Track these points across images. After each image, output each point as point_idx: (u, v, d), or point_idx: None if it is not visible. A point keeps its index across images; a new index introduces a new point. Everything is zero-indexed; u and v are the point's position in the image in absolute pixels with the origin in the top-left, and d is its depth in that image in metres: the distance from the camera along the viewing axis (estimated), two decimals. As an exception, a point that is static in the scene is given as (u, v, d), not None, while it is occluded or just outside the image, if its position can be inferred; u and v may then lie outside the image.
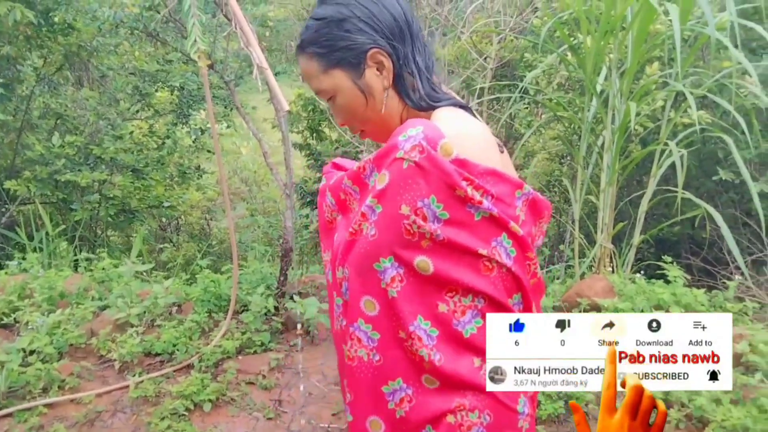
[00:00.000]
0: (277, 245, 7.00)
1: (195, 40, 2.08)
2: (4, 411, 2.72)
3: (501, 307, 1.03)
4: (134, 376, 2.98)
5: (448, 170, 0.97)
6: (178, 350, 3.20)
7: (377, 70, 1.12)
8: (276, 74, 5.42)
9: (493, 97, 5.46)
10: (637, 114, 3.92)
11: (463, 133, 1.04)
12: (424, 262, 1.00)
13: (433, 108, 1.13)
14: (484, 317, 1.01)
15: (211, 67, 3.49)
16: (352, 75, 1.12)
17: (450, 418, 1.03)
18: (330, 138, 8.42)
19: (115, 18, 4.25)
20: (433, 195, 0.98)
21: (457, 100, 1.17)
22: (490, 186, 1.01)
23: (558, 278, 4.50)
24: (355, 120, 1.18)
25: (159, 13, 3.87)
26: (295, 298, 3.62)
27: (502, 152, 1.13)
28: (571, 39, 4.12)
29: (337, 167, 1.28)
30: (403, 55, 1.12)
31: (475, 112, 1.19)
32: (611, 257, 4.01)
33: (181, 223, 9.07)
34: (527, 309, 1.09)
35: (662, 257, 3.82)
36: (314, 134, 8.43)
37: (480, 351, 1.02)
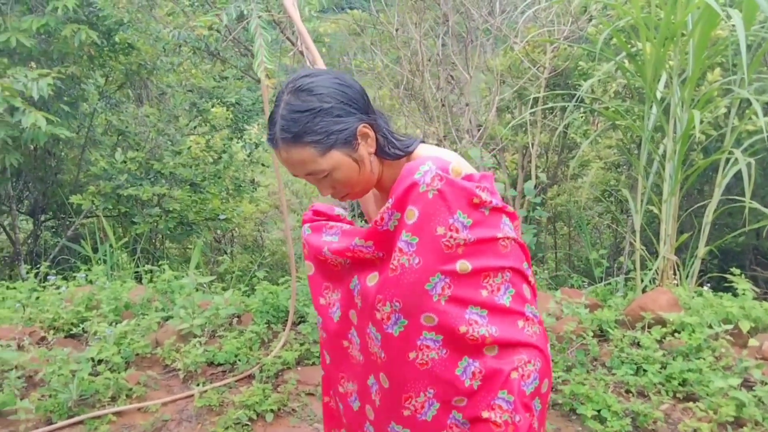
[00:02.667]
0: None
1: (261, 60, 2.13)
2: (76, 419, 2.81)
3: (521, 274, 1.29)
4: (198, 385, 3.04)
5: (465, 186, 1.20)
6: (239, 360, 3.25)
7: (365, 140, 1.30)
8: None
9: (546, 106, 5.40)
10: (700, 122, 3.81)
11: (453, 156, 1.31)
12: (463, 264, 1.21)
13: (407, 154, 1.35)
14: (514, 285, 1.27)
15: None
16: (348, 151, 1.29)
17: (514, 374, 1.25)
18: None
19: (178, 38, 4.40)
20: (458, 210, 1.20)
21: (418, 138, 1.40)
22: (487, 185, 1.24)
23: (617, 291, 4.40)
24: (348, 187, 1.34)
25: (220, 32, 3.98)
26: (352, 309, 3.63)
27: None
28: (629, 46, 4.05)
29: (318, 214, 1.49)
30: (375, 122, 1.31)
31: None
32: (674, 269, 3.90)
33: (234, 235, 9.25)
34: (530, 267, 1.37)
35: (725, 269, 3.69)
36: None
37: (520, 314, 1.28)
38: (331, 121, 1.26)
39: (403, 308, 1.23)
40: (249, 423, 2.77)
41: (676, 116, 3.84)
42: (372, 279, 1.30)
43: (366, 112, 1.30)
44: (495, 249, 1.24)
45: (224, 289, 4.46)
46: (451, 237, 1.19)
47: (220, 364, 3.29)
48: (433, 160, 1.21)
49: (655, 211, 4.04)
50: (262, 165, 7.88)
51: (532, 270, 1.38)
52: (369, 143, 1.31)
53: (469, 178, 1.23)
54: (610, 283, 4.54)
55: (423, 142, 1.39)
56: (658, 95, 3.95)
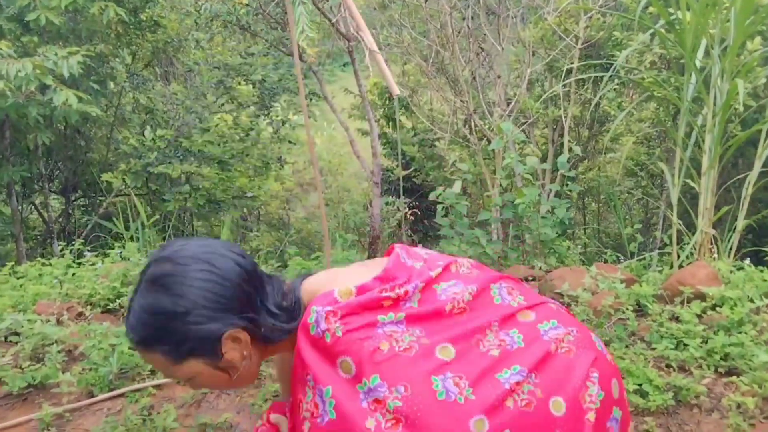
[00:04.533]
0: (357, 233, 7.08)
1: (303, 29, 2.11)
2: (117, 391, 2.85)
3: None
4: (235, 359, 3.07)
5: (366, 300, 1.15)
6: (274, 335, 3.27)
7: (234, 343, 1.13)
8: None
9: (578, 78, 5.29)
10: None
11: (331, 281, 1.22)
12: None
13: (296, 321, 1.18)
14: None
15: (300, 57, 3.53)
16: (210, 360, 1.12)
17: None
18: (406, 126, 8.41)
19: (211, 11, 4.38)
20: (379, 316, 1.14)
21: (296, 281, 1.27)
22: (387, 285, 1.20)
23: (650, 266, 4.34)
24: (219, 389, 1.35)
25: (251, 6, 3.96)
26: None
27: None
28: (668, 14, 3.94)
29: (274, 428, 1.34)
30: (256, 314, 1.14)
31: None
32: (712, 243, 3.83)
33: (261, 213, 9.30)
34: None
35: (760, 243, 3.61)
36: (390, 122, 8.45)
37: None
38: (186, 329, 1.07)
39: None
40: (287, 396, 2.79)
41: (716, 86, 3.74)
42: None
43: (241, 309, 1.12)
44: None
45: (256, 265, 4.48)
46: (394, 340, 1.10)
47: (256, 338, 3.31)
48: (315, 303, 1.12)
49: (692, 184, 3.96)
50: (289, 142, 7.89)
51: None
52: (240, 347, 1.14)
53: (362, 289, 1.16)
54: (643, 258, 4.47)
55: (306, 276, 1.27)
56: (697, 64, 3.84)
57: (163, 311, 1.07)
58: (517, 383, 1.10)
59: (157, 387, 2.87)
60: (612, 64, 4.25)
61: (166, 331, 1.08)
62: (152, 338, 1.09)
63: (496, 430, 1.05)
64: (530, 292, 1.35)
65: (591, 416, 1.13)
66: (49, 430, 2.55)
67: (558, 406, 1.11)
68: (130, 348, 3.05)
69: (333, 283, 1.19)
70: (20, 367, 2.87)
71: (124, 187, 6.32)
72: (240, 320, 1.11)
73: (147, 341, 1.10)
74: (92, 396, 2.82)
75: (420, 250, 1.38)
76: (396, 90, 1.74)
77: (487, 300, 1.26)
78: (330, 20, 2.46)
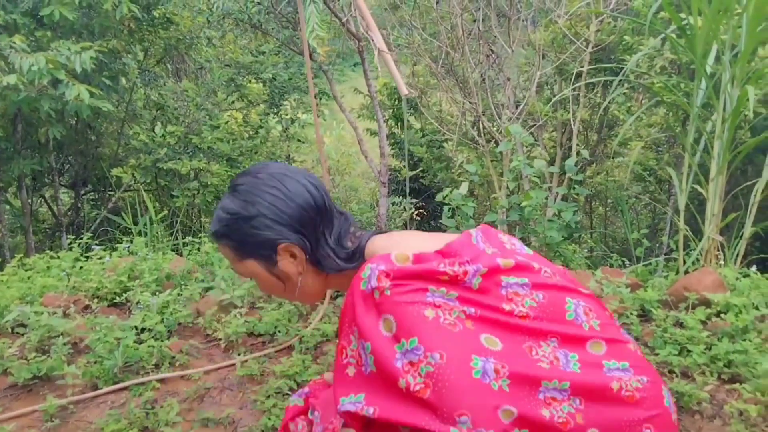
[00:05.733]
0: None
1: (313, 28, 2.12)
2: (121, 384, 2.87)
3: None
4: (239, 355, 3.09)
5: (420, 270, 1.13)
6: (279, 332, 3.29)
7: (291, 257, 1.23)
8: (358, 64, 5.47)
9: (588, 81, 5.28)
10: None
11: (394, 245, 1.21)
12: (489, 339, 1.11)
13: (354, 265, 1.23)
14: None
15: (311, 57, 3.54)
16: (266, 265, 1.24)
17: None
18: (415, 126, 8.41)
19: (223, 9, 4.41)
20: (430, 286, 1.14)
21: (368, 233, 1.29)
22: (449, 261, 1.18)
23: (656, 271, 4.32)
24: (279, 296, 1.31)
25: (263, 4, 3.98)
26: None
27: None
28: (680, 19, 3.93)
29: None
30: (314, 239, 1.23)
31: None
32: (719, 250, 3.81)
33: (269, 210, 9.33)
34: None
35: (766, 251, 3.59)
36: (399, 123, 8.45)
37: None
38: (248, 231, 1.20)
39: None
40: (290, 392, 2.80)
41: (726, 92, 3.72)
42: None
43: (298, 230, 1.21)
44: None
45: (262, 263, 4.50)
46: (441, 311, 1.09)
47: (260, 335, 3.32)
48: (372, 261, 1.13)
49: (700, 190, 3.95)
50: (298, 141, 7.91)
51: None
52: (296, 262, 1.23)
53: (419, 258, 1.14)
54: (650, 263, 4.46)
55: (376, 233, 1.29)
56: (708, 70, 3.83)
57: (233, 212, 1.22)
58: (557, 399, 1.06)
59: (161, 381, 2.90)
60: (622, 69, 4.24)
61: (233, 230, 1.22)
62: (222, 233, 1.24)
63: (522, 425, 1.02)
64: (611, 322, 1.23)
65: None
66: (52, 421, 2.57)
67: None
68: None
69: (394, 247, 1.19)
70: (26, 359, 2.90)
71: (133, 182, 6.37)
72: (296, 237, 1.21)
73: (218, 235, 1.25)
74: (96, 389, 2.85)
75: (508, 238, 1.31)
76: (405, 90, 1.75)
77: (558, 312, 1.18)
78: (340, 19, 2.47)
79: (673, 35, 4.07)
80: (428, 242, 1.22)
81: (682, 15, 4.05)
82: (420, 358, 1.04)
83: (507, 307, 1.14)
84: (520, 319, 1.14)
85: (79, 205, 7.01)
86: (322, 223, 1.24)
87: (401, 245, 1.20)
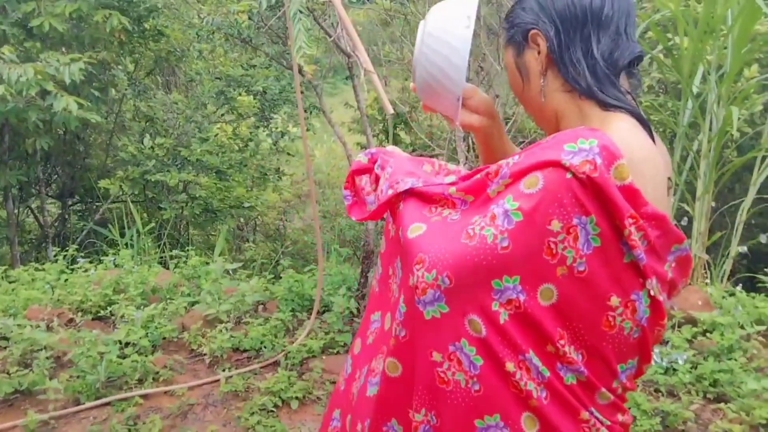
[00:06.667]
0: (352, 246, 7.07)
1: (300, 46, 2.12)
2: (103, 400, 2.83)
3: (605, 369, 0.96)
4: (224, 370, 3.06)
5: (617, 199, 0.87)
6: (264, 347, 3.26)
7: (537, 50, 1.07)
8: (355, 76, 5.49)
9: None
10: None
11: (641, 158, 0.93)
12: (549, 290, 0.91)
13: (606, 106, 1.01)
14: (578, 375, 0.94)
15: (300, 72, 3.55)
16: (515, 53, 1.11)
17: None
18: (405, 141, 8.43)
19: (213, 24, 4.41)
20: (593, 215, 0.88)
21: (635, 110, 1.02)
22: (651, 230, 0.91)
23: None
24: (521, 101, 1.14)
25: (253, 20, 3.98)
26: (377, 300, 3.63)
27: (670, 188, 1.03)
28: (666, 40, 3.97)
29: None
30: (567, 41, 1.03)
31: (653, 131, 1.06)
32: (706, 268, 3.83)
33: (257, 223, 9.29)
34: (638, 374, 1.01)
35: (754, 269, 3.62)
36: (389, 138, 8.46)
37: (582, 402, 0.95)
38: (516, 12, 1.11)
39: (451, 288, 0.92)
40: (274, 409, 2.77)
41: (712, 112, 3.77)
42: (416, 230, 0.99)
43: (563, 23, 1.03)
44: (597, 314, 0.93)
45: (249, 277, 4.48)
46: (562, 241, 0.88)
47: (245, 350, 3.30)
48: (602, 140, 0.89)
49: (687, 208, 3.97)
50: (288, 154, 7.91)
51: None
52: (539, 57, 1.07)
53: (633, 194, 0.89)
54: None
55: (644, 123, 1.01)
56: (694, 90, 3.87)
57: None
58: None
59: (144, 397, 2.87)
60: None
61: (510, 11, 1.13)
62: (506, 15, 1.15)
63: None
64: None
65: None
66: (33, 437, 2.54)
67: None
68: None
69: (635, 153, 0.93)
70: (8, 372, 2.86)
71: (121, 193, 6.33)
72: (551, 29, 1.05)
73: (505, 16, 1.15)
74: (78, 404, 2.81)
75: None
76: (390, 109, 1.75)
77: None
78: (330, 36, 2.47)
79: (660, 55, 4.12)
80: (662, 190, 1.00)
81: (669, 35, 4.11)
82: None
83: None
84: None
85: (66, 216, 6.95)
86: (591, 29, 1.02)
87: (641, 158, 0.95)
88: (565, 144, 0.90)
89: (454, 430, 0.97)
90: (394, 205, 1.08)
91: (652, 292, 0.93)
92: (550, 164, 0.89)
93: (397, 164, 1.14)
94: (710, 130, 3.79)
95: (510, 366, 0.92)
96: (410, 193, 1.05)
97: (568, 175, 0.88)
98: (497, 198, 0.94)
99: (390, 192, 1.06)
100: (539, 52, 1.07)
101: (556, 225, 0.88)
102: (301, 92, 5.71)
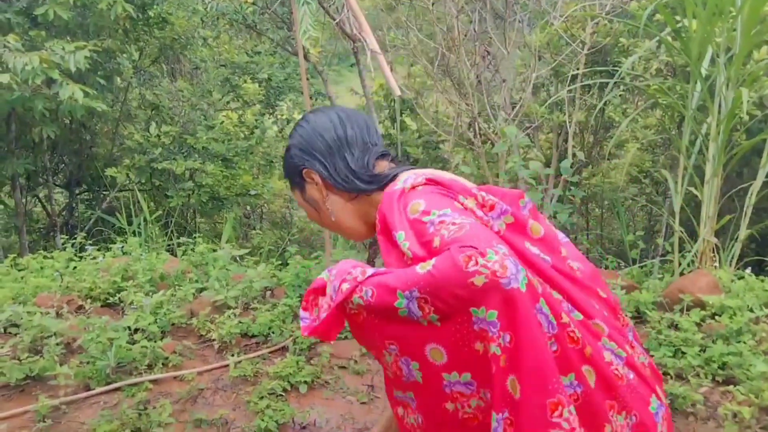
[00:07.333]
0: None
1: (306, 29, 2.11)
2: (113, 385, 2.85)
3: None
4: (233, 355, 3.07)
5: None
6: (272, 332, 3.27)
7: (313, 182, 1.35)
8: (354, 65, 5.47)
9: (584, 83, 5.28)
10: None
11: (440, 174, 1.28)
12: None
13: (381, 187, 1.30)
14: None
15: (305, 57, 3.53)
16: (301, 193, 1.39)
17: None
18: (411, 128, 8.40)
19: (217, 9, 4.39)
20: (446, 208, 1.15)
21: (397, 171, 1.33)
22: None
23: (652, 273, 4.32)
24: (325, 227, 1.42)
25: (257, 5, 3.96)
26: (384, 285, 3.63)
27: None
28: (674, 22, 3.93)
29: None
30: (332, 164, 1.32)
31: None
32: (714, 252, 3.81)
33: (263, 211, 9.30)
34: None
35: (762, 253, 3.60)
36: (395, 124, 8.44)
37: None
38: (287, 162, 1.38)
39: (401, 349, 1.10)
40: (283, 393, 2.79)
41: (721, 95, 3.73)
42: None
43: (316, 156, 1.33)
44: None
45: (256, 263, 4.49)
46: (468, 209, 1.17)
47: (253, 336, 3.31)
48: (411, 174, 1.24)
49: (695, 192, 3.95)
50: (293, 141, 7.90)
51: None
52: (318, 187, 1.35)
53: (454, 179, 1.24)
54: (645, 265, 4.46)
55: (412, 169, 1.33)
56: (703, 73, 3.83)
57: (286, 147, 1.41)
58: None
59: (154, 382, 2.88)
60: (618, 71, 4.24)
61: (283, 164, 1.41)
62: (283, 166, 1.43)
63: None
64: (621, 330, 1.25)
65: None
66: (45, 422, 2.56)
67: None
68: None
69: (430, 173, 1.28)
70: (18, 359, 2.88)
71: (128, 182, 6.34)
72: (316, 163, 1.33)
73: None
74: (89, 389, 2.83)
75: (551, 226, 1.30)
76: (397, 91, 1.74)
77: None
78: (334, 20, 2.46)
79: (669, 38, 4.08)
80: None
81: (677, 18, 4.06)
82: (445, 219, 1.08)
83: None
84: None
85: (74, 204, 6.98)
86: (343, 150, 1.32)
87: (438, 173, 1.29)
88: (396, 187, 1.24)
89: None
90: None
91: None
92: (400, 198, 1.21)
93: (342, 264, 1.19)
94: (719, 113, 3.75)
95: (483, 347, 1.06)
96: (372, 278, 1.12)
97: (420, 189, 1.23)
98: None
99: (346, 286, 1.10)
100: (317, 184, 1.35)
101: (424, 216, 1.16)
102: (307, 79, 5.70)
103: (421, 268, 1.01)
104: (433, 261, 1.01)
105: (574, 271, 1.24)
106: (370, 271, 1.11)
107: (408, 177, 1.23)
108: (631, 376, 1.15)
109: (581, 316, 1.14)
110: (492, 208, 1.20)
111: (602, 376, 1.09)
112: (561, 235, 1.30)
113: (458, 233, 1.03)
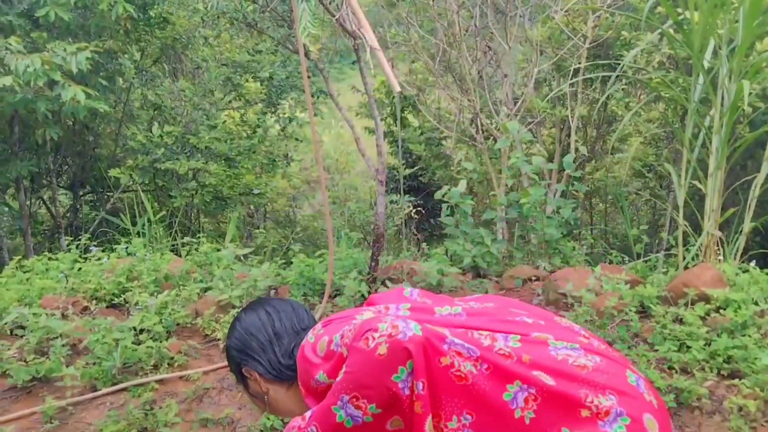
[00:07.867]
0: (362, 231, 7.08)
1: (305, 26, 2.11)
2: (120, 386, 2.87)
3: None
4: (238, 355, 3.08)
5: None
6: (277, 332, 3.27)
7: (253, 378, 1.44)
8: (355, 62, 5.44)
9: (586, 77, 5.27)
10: (748, 93, 3.68)
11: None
12: None
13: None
14: None
15: (306, 55, 3.53)
16: (246, 389, 1.49)
17: None
18: (413, 125, 8.39)
19: (217, 8, 4.39)
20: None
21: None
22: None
23: (656, 267, 4.31)
24: (274, 414, 1.55)
25: (257, 3, 3.96)
26: (387, 283, 3.64)
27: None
28: (676, 14, 3.91)
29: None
30: (266, 359, 1.42)
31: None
32: (719, 246, 3.80)
33: (267, 210, 9.32)
34: None
35: (767, 246, 3.59)
36: (396, 121, 8.44)
37: None
38: (229, 363, 1.49)
39: None
40: (288, 393, 2.79)
41: (723, 87, 3.71)
42: None
43: (250, 354, 1.42)
44: None
45: (260, 262, 4.50)
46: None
47: (258, 335, 3.31)
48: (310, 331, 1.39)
49: (699, 185, 3.94)
50: (296, 140, 7.91)
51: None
52: (258, 382, 1.44)
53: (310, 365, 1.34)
54: (649, 260, 4.45)
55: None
56: (705, 65, 3.82)
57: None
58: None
59: (160, 382, 2.89)
60: (620, 64, 4.23)
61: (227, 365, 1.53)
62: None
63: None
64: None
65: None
66: (52, 423, 2.57)
67: None
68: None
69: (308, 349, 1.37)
70: (25, 360, 2.89)
71: (131, 182, 6.36)
72: (252, 362, 1.43)
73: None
74: (95, 390, 2.84)
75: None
76: (397, 87, 1.74)
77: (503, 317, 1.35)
78: (334, 16, 2.46)
79: (670, 30, 4.06)
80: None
81: (679, 10, 4.04)
82: (345, 334, 1.26)
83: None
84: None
85: (78, 206, 7.00)
86: (274, 345, 1.43)
87: (331, 316, 1.44)
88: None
89: None
90: None
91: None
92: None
93: (287, 428, 1.37)
94: (722, 105, 3.73)
95: None
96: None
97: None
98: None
99: None
100: (256, 380, 1.43)
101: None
102: (308, 77, 5.69)
103: (340, 376, 1.19)
104: (344, 365, 1.18)
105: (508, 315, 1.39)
106: (308, 413, 1.27)
107: (308, 333, 1.37)
108: (598, 359, 1.24)
109: (518, 337, 1.26)
110: (388, 308, 1.37)
111: (558, 373, 1.20)
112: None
113: (354, 329, 1.21)
